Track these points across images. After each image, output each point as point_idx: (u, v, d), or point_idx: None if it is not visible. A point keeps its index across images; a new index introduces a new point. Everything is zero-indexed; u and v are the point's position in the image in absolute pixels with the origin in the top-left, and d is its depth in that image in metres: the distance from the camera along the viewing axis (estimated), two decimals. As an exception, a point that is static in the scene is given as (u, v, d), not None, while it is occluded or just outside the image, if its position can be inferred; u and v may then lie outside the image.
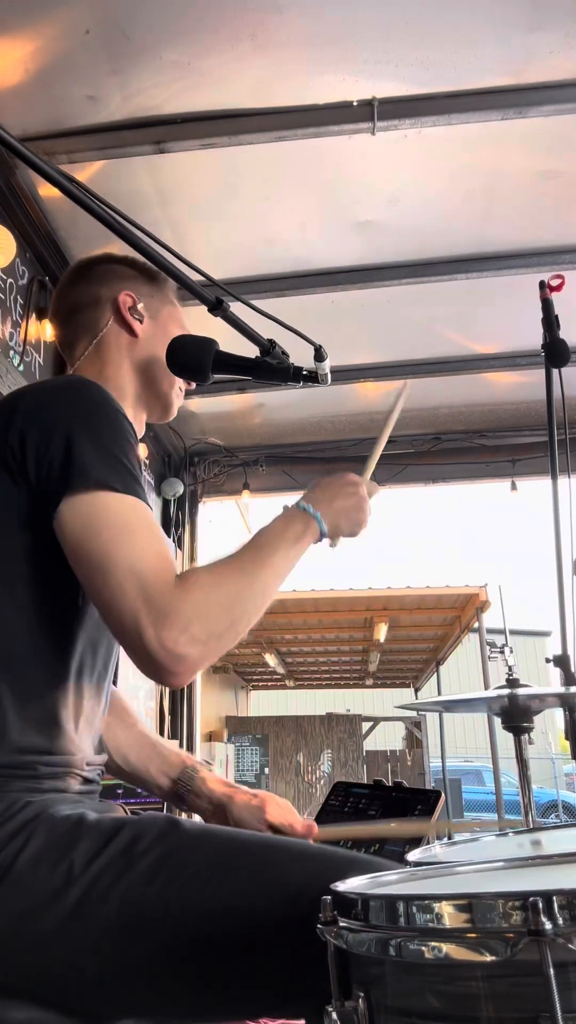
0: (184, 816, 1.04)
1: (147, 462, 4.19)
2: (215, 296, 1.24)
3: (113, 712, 1.32)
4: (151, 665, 0.97)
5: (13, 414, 1.08)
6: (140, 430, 1.37)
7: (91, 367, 1.32)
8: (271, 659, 11.36)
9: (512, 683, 1.63)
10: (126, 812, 1.23)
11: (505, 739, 2.07)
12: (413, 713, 11.50)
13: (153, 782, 1.39)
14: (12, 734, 1.02)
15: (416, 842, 1.68)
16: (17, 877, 0.92)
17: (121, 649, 1.26)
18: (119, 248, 1.34)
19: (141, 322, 1.34)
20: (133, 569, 0.97)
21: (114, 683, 1.27)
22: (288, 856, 0.98)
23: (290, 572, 1.13)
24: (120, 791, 2.69)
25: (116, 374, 1.31)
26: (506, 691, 1.60)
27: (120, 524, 1.00)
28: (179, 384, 1.38)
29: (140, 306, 1.34)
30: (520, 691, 1.58)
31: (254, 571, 1.08)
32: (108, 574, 0.97)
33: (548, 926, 0.60)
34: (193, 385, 1.37)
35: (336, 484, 1.23)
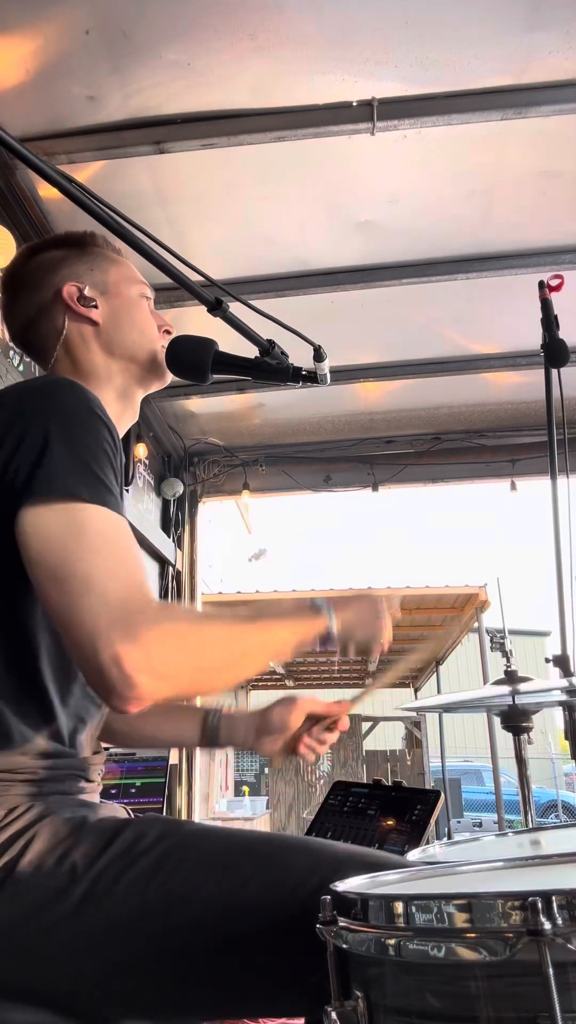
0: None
1: (147, 462, 4.19)
2: (215, 296, 1.24)
3: None
4: (103, 686, 0.89)
5: None
6: (133, 416, 1.33)
7: (66, 367, 1.27)
8: (271, 659, 11.34)
9: (511, 676, 1.63)
10: (129, 813, 1.23)
11: (505, 739, 2.07)
12: (413, 713, 11.50)
13: (185, 734, 1.39)
14: (13, 737, 1.02)
15: (416, 841, 1.69)
16: (20, 878, 0.93)
17: None
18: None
19: (96, 306, 1.27)
20: (92, 585, 0.91)
21: None
22: (289, 851, 0.98)
23: (281, 653, 1.12)
24: (114, 791, 2.69)
25: (93, 367, 1.26)
26: (506, 688, 1.60)
27: (85, 535, 0.94)
28: (160, 341, 1.32)
29: (87, 290, 1.27)
30: (520, 685, 1.58)
31: (242, 632, 1.05)
32: (66, 588, 0.91)
33: (547, 926, 0.60)
34: (173, 332, 1.34)
35: (357, 597, 1.23)
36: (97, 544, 0.94)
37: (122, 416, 1.29)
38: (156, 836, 0.97)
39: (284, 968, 0.91)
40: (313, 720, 1.33)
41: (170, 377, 1.34)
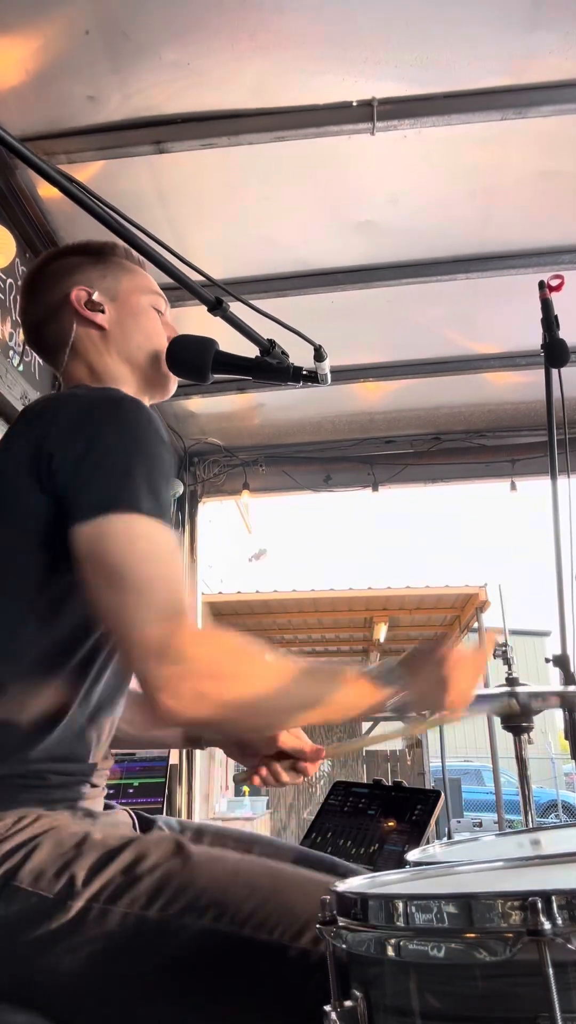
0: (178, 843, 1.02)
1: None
2: (215, 296, 1.24)
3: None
4: (152, 698, 0.93)
5: (53, 423, 1.06)
6: None
7: (79, 371, 1.29)
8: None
9: (511, 683, 1.63)
10: (132, 816, 1.23)
11: (505, 739, 2.07)
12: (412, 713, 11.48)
13: (169, 736, 1.41)
14: (25, 744, 1.02)
15: (416, 841, 1.69)
16: (19, 886, 0.92)
17: None
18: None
19: (104, 311, 1.29)
20: (150, 590, 0.95)
21: None
22: (293, 890, 0.96)
23: (336, 713, 1.09)
24: (111, 791, 2.68)
25: (105, 370, 1.28)
26: (506, 689, 1.60)
27: (141, 545, 0.97)
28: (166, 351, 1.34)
29: (96, 295, 1.29)
30: (519, 689, 1.58)
31: (297, 676, 1.04)
32: (122, 590, 0.94)
33: (547, 926, 0.60)
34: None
35: (440, 658, 1.16)
36: (155, 553, 0.98)
37: None
38: (158, 858, 0.96)
39: (279, 1007, 0.89)
40: (285, 754, 1.34)
41: (174, 387, 1.36)
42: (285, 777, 1.34)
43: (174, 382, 1.36)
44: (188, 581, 1.04)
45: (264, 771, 1.34)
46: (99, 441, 1.02)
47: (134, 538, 0.97)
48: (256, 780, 1.34)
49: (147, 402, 1.33)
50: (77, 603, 1.04)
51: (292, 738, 1.34)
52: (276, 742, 1.32)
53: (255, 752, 1.35)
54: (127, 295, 1.32)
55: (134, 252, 1.26)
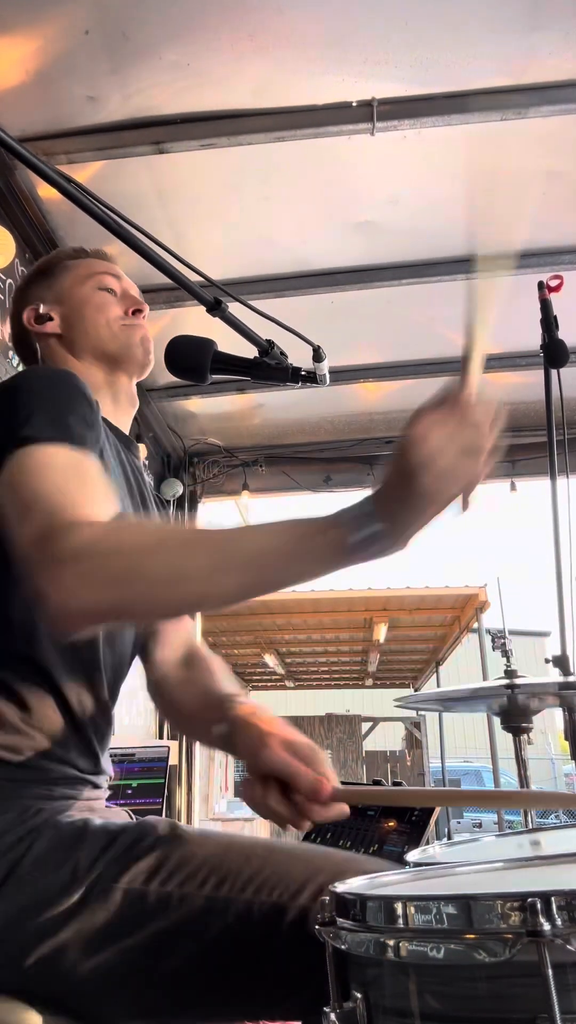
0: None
1: (146, 463, 4.18)
2: (214, 296, 1.24)
3: (195, 667, 1.28)
4: (36, 594, 0.86)
5: None
6: (130, 403, 1.33)
7: None
8: (270, 659, 11.36)
9: (510, 675, 1.63)
10: (131, 817, 1.23)
11: (504, 739, 2.07)
12: (412, 713, 11.51)
13: (207, 736, 1.13)
14: (25, 740, 1.03)
15: (416, 841, 1.69)
16: (23, 876, 0.94)
17: (131, 648, 1.26)
18: (116, 249, 1.34)
19: (52, 318, 1.31)
20: (39, 500, 0.90)
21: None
22: (288, 857, 0.98)
23: (284, 577, 0.86)
24: (110, 792, 2.67)
25: (73, 368, 1.27)
26: (505, 682, 1.60)
27: (32, 471, 0.94)
28: (119, 324, 1.30)
29: (42, 308, 1.32)
30: (519, 681, 1.58)
31: (204, 540, 0.90)
32: (18, 509, 0.91)
33: (546, 927, 0.60)
34: (146, 310, 1.33)
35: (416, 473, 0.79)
36: (40, 475, 0.93)
37: (117, 407, 1.30)
38: (156, 838, 0.98)
39: (282, 971, 0.91)
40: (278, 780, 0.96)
41: (144, 362, 1.32)
42: (276, 806, 0.94)
43: (139, 352, 1.30)
44: (105, 493, 0.97)
45: (249, 791, 0.97)
46: (9, 404, 1.02)
47: (27, 467, 0.94)
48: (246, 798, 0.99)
49: (129, 382, 1.32)
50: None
51: (285, 756, 0.95)
52: (260, 757, 0.96)
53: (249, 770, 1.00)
54: (69, 292, 1.33)
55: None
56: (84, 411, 1.04)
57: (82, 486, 0.94)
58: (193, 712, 1.22)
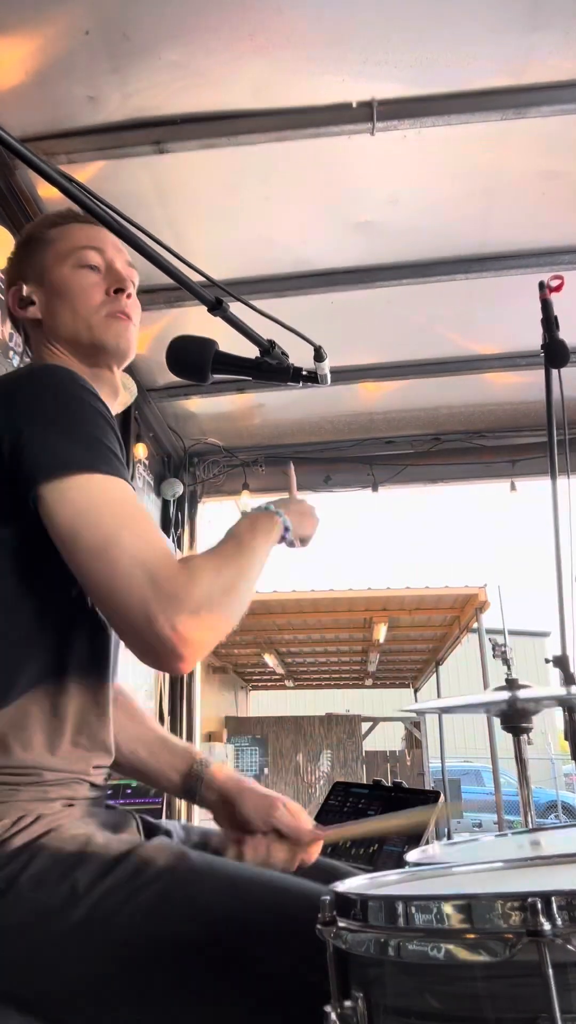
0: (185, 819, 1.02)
1: (147, 462, 4.19)
2: (215, 296, 1.23)
3: (121, 708, 1.28)
4: (158, 652, 0.95)
5: None
6: (114, 394, 1.29)
7: (38, 360, 1.28)
8: (271, 659, 11.36)
9: (511, 684, 1.63)
10: (135, 817, 1.22)
11: (504, 739, 2.07)
12: (412, 713, 11.50)
13: (164, 777, 1.33)
14: (16, 741, 1.01)
15: (416, 841, 1.68)
16: (19, 894, 0.92)
17: (120, 647, 1.26)
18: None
19: (34, 303, 1.25)
20: (138, 553, 0.95)
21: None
22: (294, 894, 0.95)
23: (263, 567, 1.14)
24: (109, 791, 2.66)
25: (53, 360, 1.24)
26: (505, 694, 1.60)
27: (117, 508, 0.98)
28: (97, 313, 1.23)
29: (24, 290, 1.25)
30: (519, 693, 1.58)
31: (244, 560, 1.08)
32: (113, 560, 0.95)
33: (547, 927, 0.60)
34: (130, 287, 1.25)
35: (290, 499, 1.29)
36: (125, 513, 0.99)
37: (105, 398, 1.23)
38: (160, 868, 0.95)
39: (280, 1010, 0.89)
40: (278, 833, 1.21)
41: (121, 351, 1.26)
42: (279, 855, 1.19)
43: (119, 340, 1.24)
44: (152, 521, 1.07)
45: (252, 845, 1.20)
46: (24, 414, 1.01)
47: (90, 501, 0.97)
48: (248, 850, 1.20)
49: (112, 374, 1.28)
50: (48, 596, 1.05)
51: (291, 817, 1.21)
52: (273, 817, 1.20)
53: (246, 826, 1.22)
54: (50, 272, 1.24)
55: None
56: (112, 428, 1.06)
57: (155, 529, 1.03)
58: (143, 756, 1.34)
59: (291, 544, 1.21)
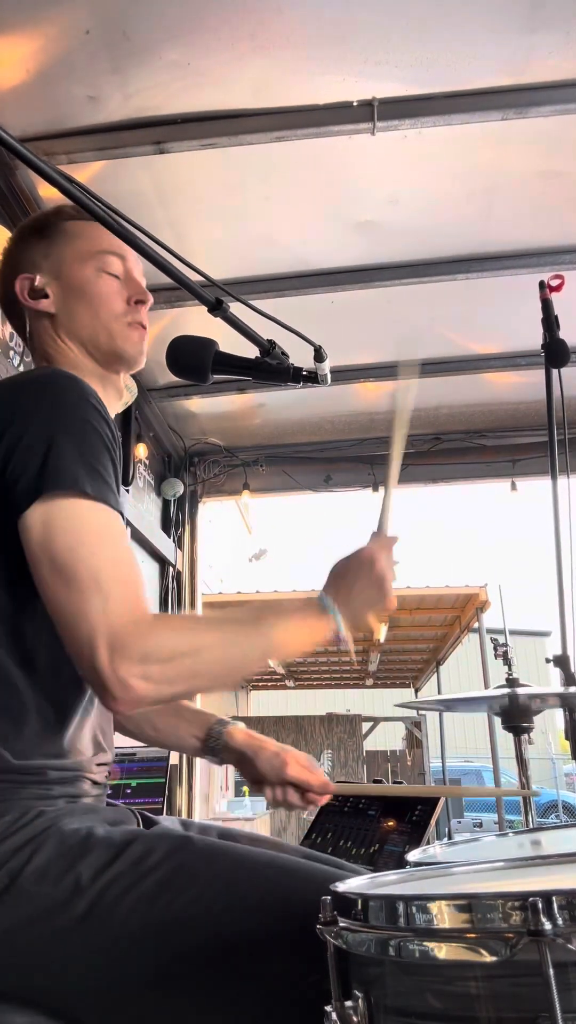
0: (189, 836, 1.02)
1: (147, 462, 4.19)
2: (215, 296, 1.23)
3: None
4: (95, 684, 0.94)
5: None
6: (119, 398, 1.30)
7: (41, 359, 1.25)
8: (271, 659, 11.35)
9: (512, 683, 1.63)
10: (136, 815, 1.22)
11: (505, 739, 2.07)
12: (413, 713, 11.50)
13: (184, 743, 1.42)
14: (23, 738, 1.01)
15: (416, 841, 1.69)
16: (23, 888, 0.92)
17: None
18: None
19: (48, 295, 1.22)
20: (104, 584, 0.94)
21: None
22: (297, 876, 0.96)
23: (285, 655, 1.11)
24: (110, 791, 2.66)
25: (57, 356, 1.23)
26: (506, 690, 1.61)
27: (95, 536, 0.97)
28: (119, 320, 1.24)
29: (38, 280, 1.22)
30: (520, 691, 1.59)
31: (237, 638, 1.05)
32: (77, 586, 0.93)
33: (548, 926, 0.60)
34: (150, 300, 1.26)
35: (354, 568, 1.15)
36: (102, 542, 0.97)
37: (108, 402, 1.23)
38: (163, 854, 0.96)
39: (287, 993, 0.89)
40: (294, 784, 1.36)
41: (135, 359, 1.28)
42: (295, 800, 1.36)
43: (137, 351, 1.26)
44: (137, 564, 1.06)
45: (271, 794, 1.36)
46: (26, 424, 1.00)
47: (70, 527, 0.96)
48: (269, 795, 1.36)
49: (119, 377, 1.28)
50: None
51: (301, 769, 1.35)
52: (285, 773, 1.34)
53: (264, 780, 1.36)
54: (70, 267, 1.23)
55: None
56: (110, 452, 1.03)
57: (130, 565, 1.00)
58: (160, 724, 1.40)
59: (347, 638, 1.12)
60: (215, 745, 1.39)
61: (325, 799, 1.40)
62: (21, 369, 2.62)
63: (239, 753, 1.37)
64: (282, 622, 1.08)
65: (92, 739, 1.13)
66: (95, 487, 0.98)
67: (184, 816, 4.04)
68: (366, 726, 12.30)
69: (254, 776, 1.37)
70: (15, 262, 1.26)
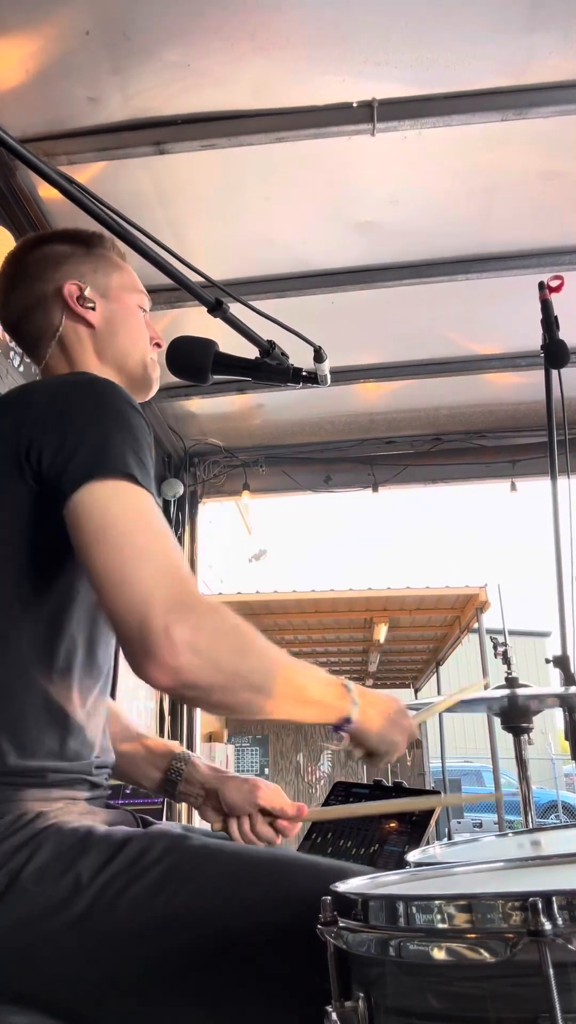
0: (177, 813, 1.03)
1: (147, 462, 4.19)
2: (215, 297, 1.24)
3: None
4: (140, 645, 0.90)
5: (28, 409, 1.05)
6: None
7: (60, 366, 1.26)
8: (271, 659, 11.34)
9: (511, 683, 1.63)
10: (135, 818, 1.23)
11: (505, 739, 2.07)
12: (413, 713, 11.49)
13: (143, 775, 1.37)
14: (25, 739, 1.02)
15: (416, 841, 1.69)
16: (23, 887, 0.92)
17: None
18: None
19: (94, 308, 1.27)
20: (162, 550, 0.94)
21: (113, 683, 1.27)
22: (296, 869, 0.97)
23: (300, 707, 1.05)
24: (108, 792, 2.65)
25: (87, 368, 1.26)
26: (505, 691, 1.61)
27: (154, 520, 0.98)
28: (150, 354, 1.33)
29: (88, 291, 1.26)
30: (520, 691, 1.59)
31: (284, 662, 1.03)
32: (130, 548, 0.93)
33: (548, 927, 0.60)
34: (163, 346, 1.34)
35: (391, 706, 1.19)
36: (158, 522, 0.99)
37: None
38: (161, 851, 0.96)
39: (286, 989, 0.90)
40: (265, 812, 1.29)
41: (154, 391, 1.35)
42: (265, 831, 1.28)
43: (155, 384, 1.34)
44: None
45: (239, 826, 1.28)
46: (78, 418, 1.02)
47: (127, 505, 0.97)
48: (234, 830, 1.28)
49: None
50: (56, 599, 1.05)
51: (273, 795, 1.30)
52: (256, 799, 1.28)
53: (232, 810, 1.29)
54: (117, 293, 1.30)
55: (119, 244, 1.27)
56: (151, 454, 1.06)
57: (177, 550, 1.00)
58: (128, 752, 1.36)
59: (347, 740, 1.14)
60: (175, 778, 1.34)
61: (296, 828, 1.33)
62: (21, 370, 2.62)
63: (203, 785, 1.33)
64: (313, 681, 1.07)
65: (93, 742, 1.13)
66: (145, 480, 1.00)
67: (184, 818, 4.04)
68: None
69: (219, 808, 1.30)
70: (58, 263, 1.28)
